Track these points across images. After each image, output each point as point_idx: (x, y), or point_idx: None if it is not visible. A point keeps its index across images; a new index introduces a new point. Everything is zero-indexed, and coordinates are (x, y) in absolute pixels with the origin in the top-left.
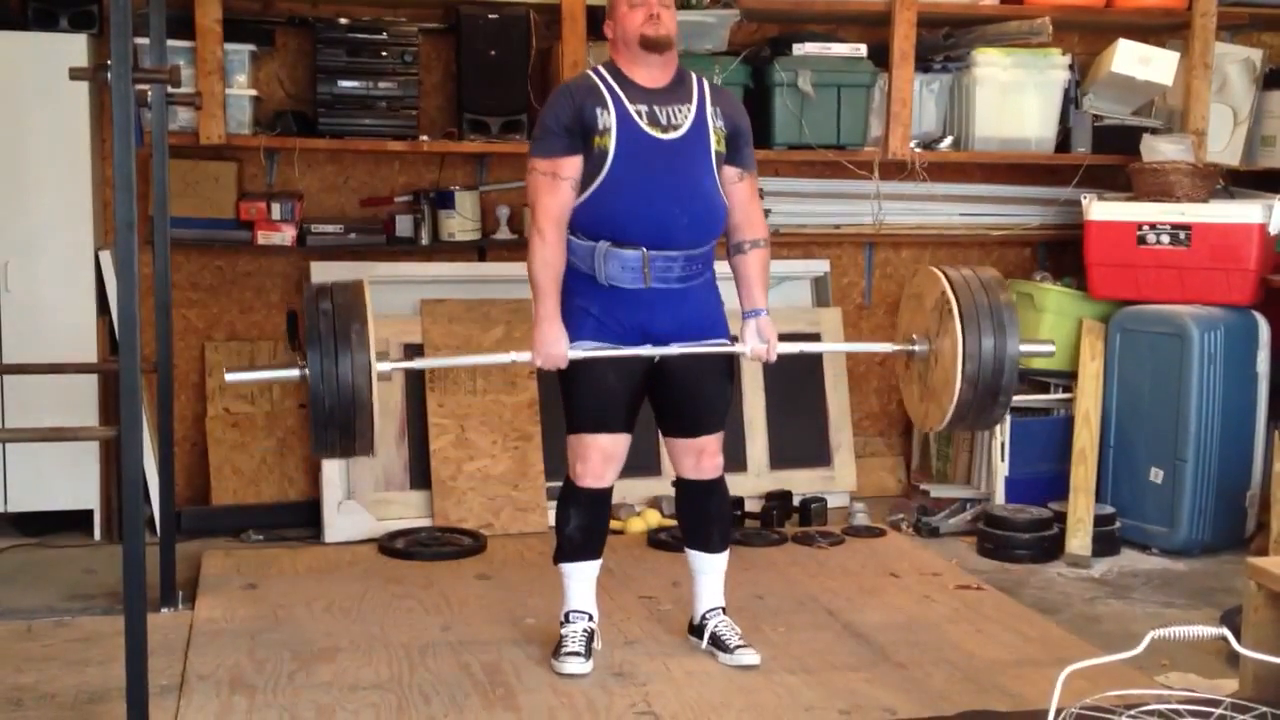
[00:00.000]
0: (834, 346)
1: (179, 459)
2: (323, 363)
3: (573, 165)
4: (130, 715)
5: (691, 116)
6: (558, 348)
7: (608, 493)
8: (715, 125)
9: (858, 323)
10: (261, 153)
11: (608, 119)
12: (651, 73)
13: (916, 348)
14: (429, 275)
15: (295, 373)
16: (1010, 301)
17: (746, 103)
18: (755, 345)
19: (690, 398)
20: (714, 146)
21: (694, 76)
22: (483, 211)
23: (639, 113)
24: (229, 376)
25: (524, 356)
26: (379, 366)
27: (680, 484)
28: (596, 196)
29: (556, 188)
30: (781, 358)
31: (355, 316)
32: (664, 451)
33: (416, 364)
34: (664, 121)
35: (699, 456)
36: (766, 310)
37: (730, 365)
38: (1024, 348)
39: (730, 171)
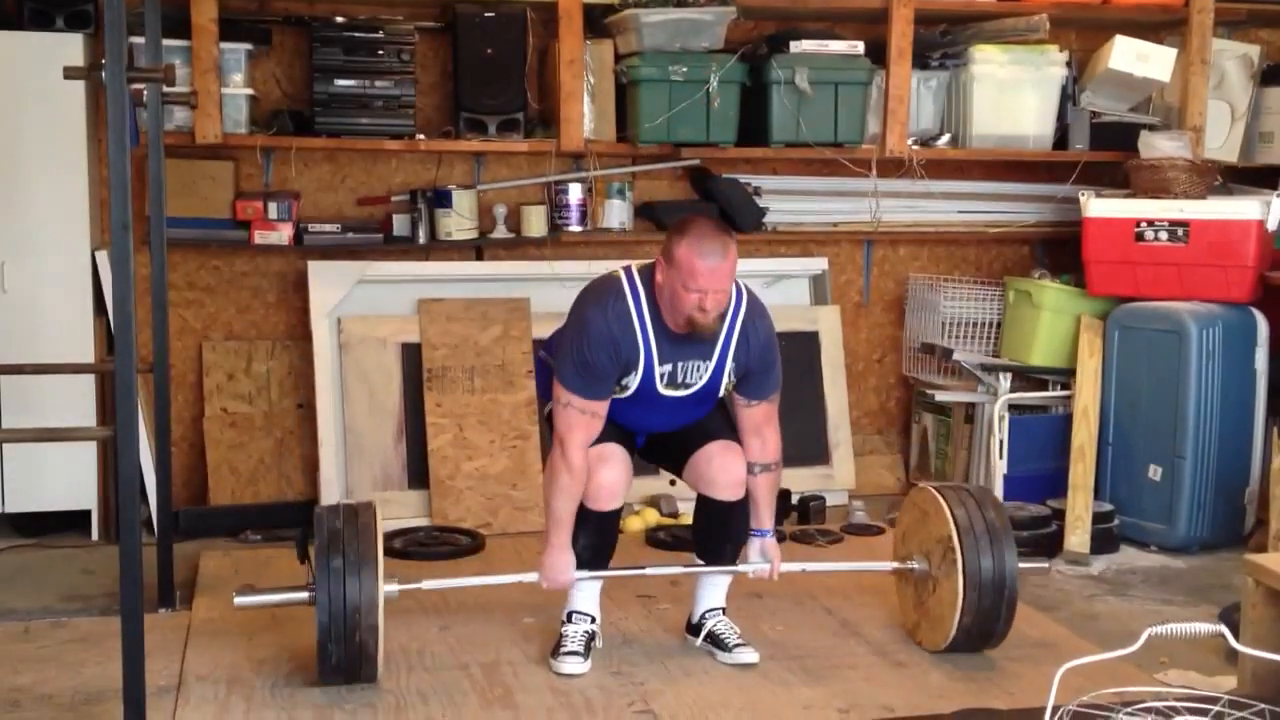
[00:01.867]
0: (836, 566)
1: (176, 459)
2: (330, 596)
3: (607, 405)
4: (127, 716)
5: (708, 375)
6: (565, 575)
7: (617, 515)
8: (729, 380)
9: (855, 320)
10: (258, 152)
11: (633, 379)
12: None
13: (915, 568)
14: (426, 274)
15: (304, 595)
16: (1011, 536)
17: (743, 101)
18: (759, 565)
19: (692, 430)
20: (721, 392)
21: (729, 313)
22: (480, 210)
23: (662, 375)
24: (238, 601)
25: (530, 577)
26: (386, 589)
27: (703, 502)
28: None
29: (591, 424)
30: (782, 353)
31: (365, 550)
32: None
33: (429, 586)
34: (680, 380)
35: (722, 456)
36: (771, 531)
37: (720, 403)
38: (1022, 565)
39: (738, 398)
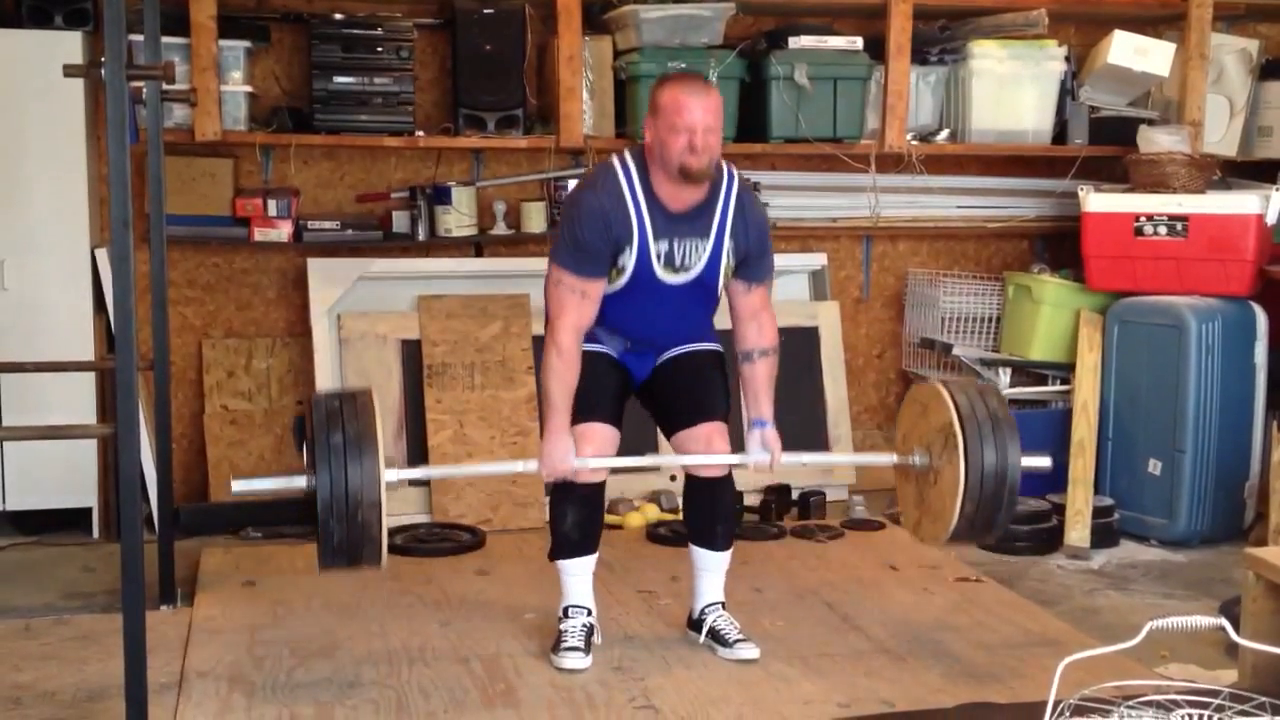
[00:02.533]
0: (839, 459)
1: (177, 456)
2: (331, 475)
3: (601, 287)
4: (129, 713)
5: (706, 256)
6: (566, 462)
7: (601, 488)
8: (727, 263)
9: (855, 316)
10: (257, 149)
11: (628, 258)
12: (682, 195)
13: (916, 461)
14: (426, 271)
15: (303, 482)
16: (1014, 425)
17: (742, 96)
18: (759, 455)
19: (686, 387)
20: (721, 280)
21: (722, 190)
22: (479, 207)
23: (658, 254)
24: (235, 486)
25: (531, 466)
26: (387, 476)
27: (689, 481)
28: None
29: (583, 306)
30: (781, 350)
31: (365, 430)
32: (663, 445)
33: (422, 473)
34: (678, 262)
35: (708, 445)
36: (771, 421)
37: (718, 359)
38: (1025, 461)
39: (738, 284)
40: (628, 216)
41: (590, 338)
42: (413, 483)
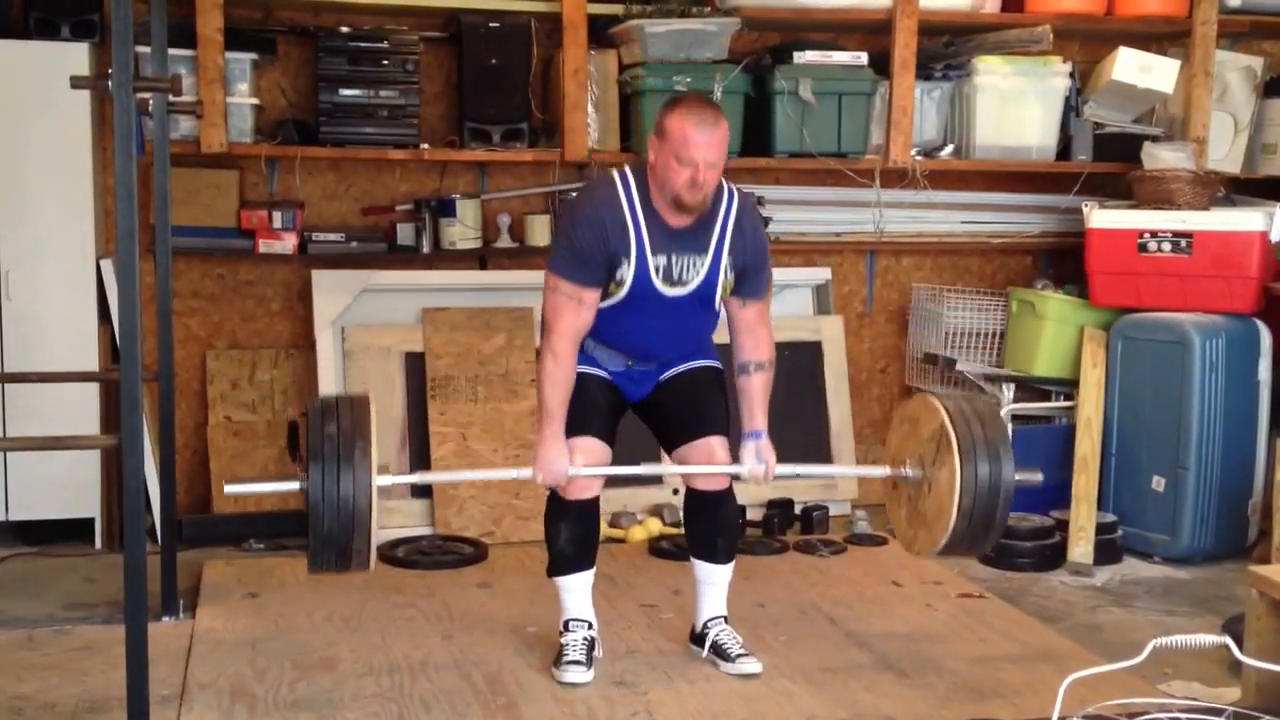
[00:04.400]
0: (831, 470)
1: (180, 467)
2: (324, 480)
3: (596, 295)
4: None
5: (704, 271)
6: (559, 466)
7: (595, 503)
8: (726, 278)
9: (859, 330)
10: (263, 161)
11: (625, 271)
12: (680, 217)
13: (909, 473)
14: (430, 283)
15: (295, 485)
16: (1006, 433)
17: (747, 111)
18: (753, 466)
19: (687, 402)
20: (719, 296)
21: (722, 207)
22: (484, 220)
23: (657, 268)
24: (228, 489)
25: (525, 473)
26: (379, 481)
27: (690, 494)
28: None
29: (579, 312)
30: (782, 363)
31: (359, 433)
32: (665, 460)
33: (416, 478)
34: (676, 276)
35: (709, 457)
36: (765, 433)
37: (718, 377)
38: (1019, 476)
39: (735, 299)
40: (625, 229)
41: (589, 360)
42: (413, 491)
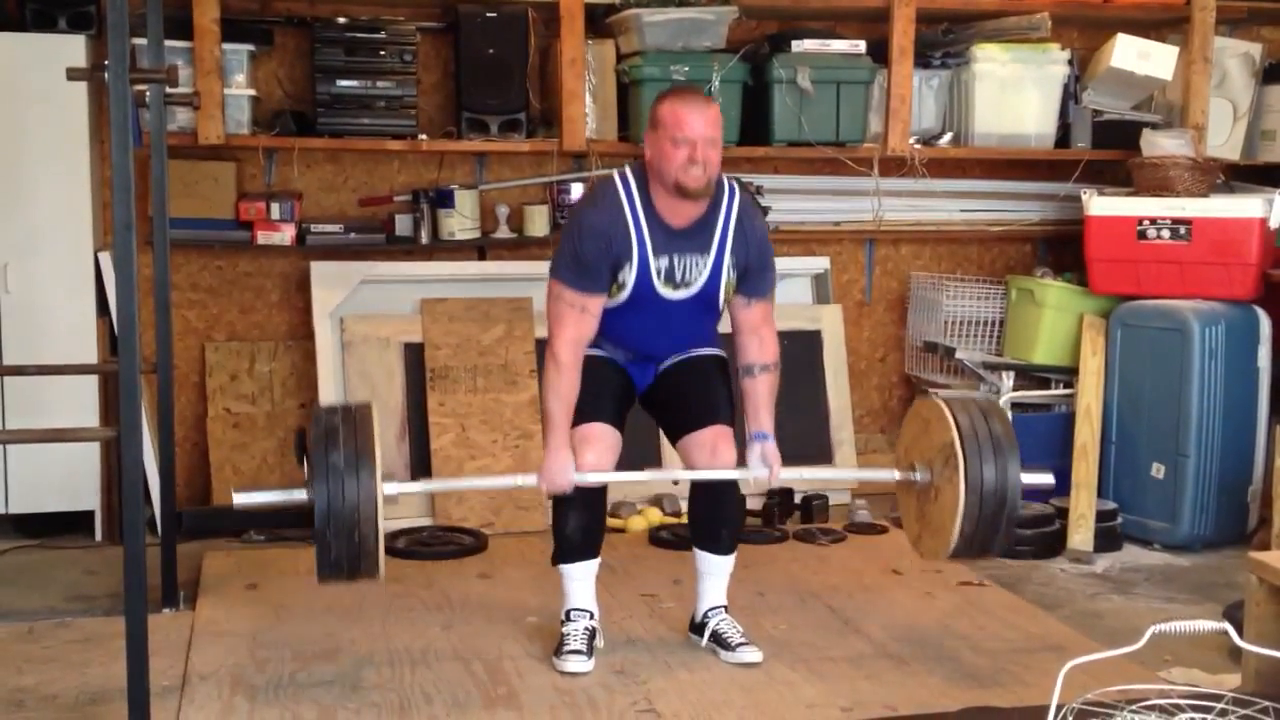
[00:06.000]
0: (839, 474)
1: (179, 459)
2: (329, 491)
3: (600, 302)
4: (132, 716)
5: (707, 272)
6: (565, 476)
7: (603, 492)
8: (728, 279)
9: (858, 320)
10: (260, 153)
11: (628, 274)
12: (682, 211)
13: (918, 477)
14: (429, 274)
15: (303, 495)
16: (1015, 450)
17: (745, 100)
18: (758, 470)
19: (690, 391)
20: (722, 297)
21: (723, 206)
22: (482, 210)
23: (659, 270)
24: (237, 499)
25: (530, 480)
26: (385, 489)
27: (694, 484)
28: None
29: (583, 321)
30: (783, 352)
31: (363, 445)
32: (666, 450)
33: (419, 487)
34: (678, 278)
35: (713, 449)
36: (771, 435)
37: (721, 365)
38: (1026, 479)
39: (739, 299)
40: (628, 233)
41: (594, 345)
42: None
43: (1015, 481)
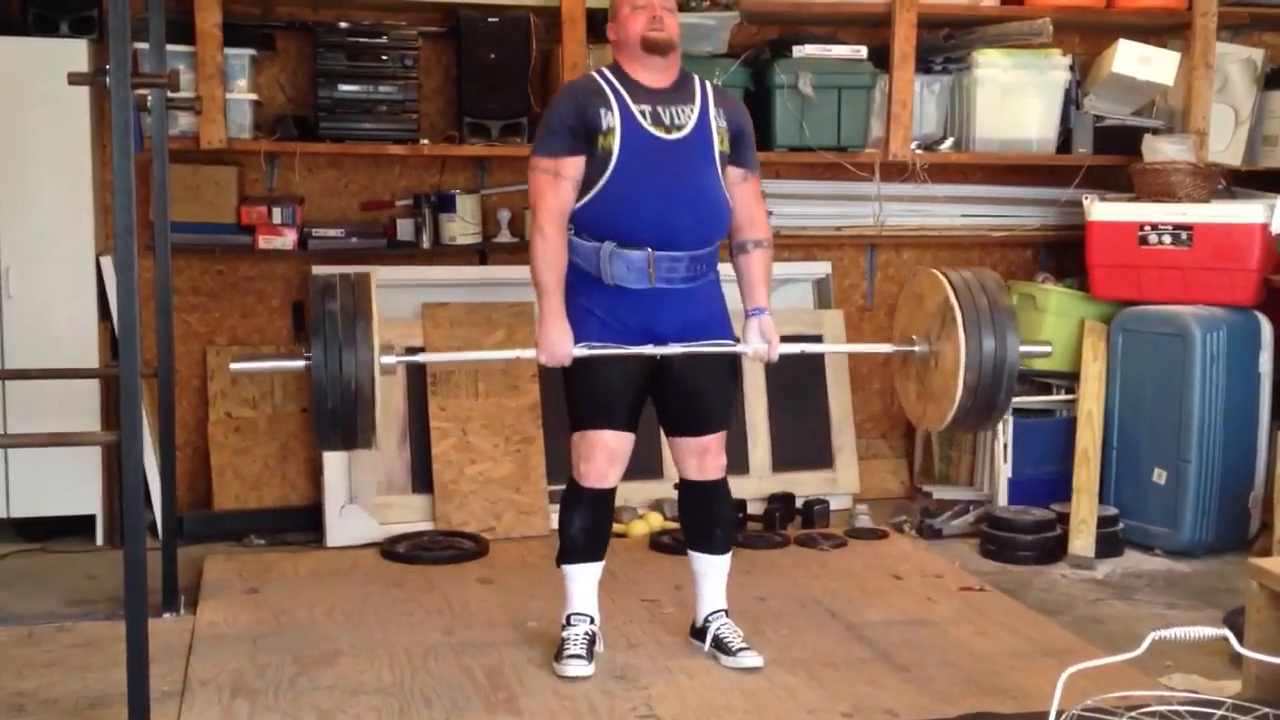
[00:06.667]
0: (833, 348)
1: (181, 464)
2: (326, 355)
3: (575, 165)
4: None
5: (695, 117)
6: (562, 345)
7: (611, 494)
8: (719, 125)
9: (860, 324)
10: (262, 157)
11: (611, 119)
12: (654, 74)
13: (916, 349)
14: (430, 279)
15: (300, 363)
16: (1011, 306)
17: (747, 105)
18: (757, 345)
19: (693, 397)
20: (718, 146)
21: (697, 79)
22: (484, 215)
23: (643, 113)
24: (234, 366)
25: (529, 353)
26: (382, 360)
27: (684, 485)
28: (601, 196)
29: (559, 186)
30: (783, 359)
31: (360, 311)
32: (666, 454)
33: (420, 358)
34: (667, 121)
35: (702, 456)
36: (769, 310)
37: (733, 365)
38: (1024, 349)
39: (734, 172)
40: (602, 90)
41: (605, 326)
42: (414, 487)
43: (1013, 334)
